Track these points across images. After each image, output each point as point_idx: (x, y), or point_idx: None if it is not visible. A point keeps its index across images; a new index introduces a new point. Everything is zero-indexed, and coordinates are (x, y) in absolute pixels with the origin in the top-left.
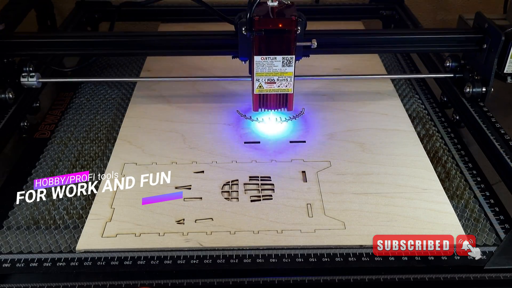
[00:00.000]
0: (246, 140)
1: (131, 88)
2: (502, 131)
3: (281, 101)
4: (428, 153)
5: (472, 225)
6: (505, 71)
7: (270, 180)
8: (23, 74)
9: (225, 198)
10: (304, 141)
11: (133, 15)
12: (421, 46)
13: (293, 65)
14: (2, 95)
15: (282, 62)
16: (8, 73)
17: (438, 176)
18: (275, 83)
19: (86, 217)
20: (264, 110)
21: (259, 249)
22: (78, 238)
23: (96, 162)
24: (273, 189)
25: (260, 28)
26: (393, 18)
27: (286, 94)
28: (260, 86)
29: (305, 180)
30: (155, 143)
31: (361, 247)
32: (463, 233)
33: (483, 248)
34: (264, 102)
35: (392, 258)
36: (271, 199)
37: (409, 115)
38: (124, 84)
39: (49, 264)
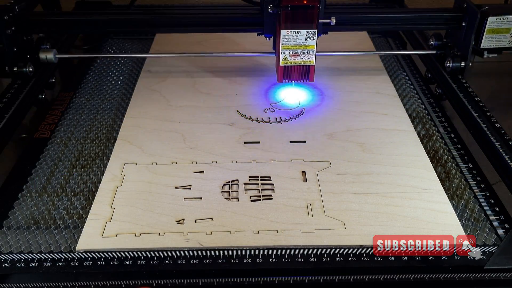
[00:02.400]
0: (246, 140)
1: (131, 88)
2: (502, 131)
3: (303, 73)
4: (428, 153)
5: (472, 225)
6: (481, 46)
7: (270, 180)
8: (42, 50)
9: (225, 198)
10: (304, 141)
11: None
12: (405, 24)
13: (315, 38)
14: (24, 69)
15: (306, 36)
16: (28, 49)
17: (438, 176)
18: (298, 55)
19: (86, 217)
20: (289, 81)
21: (259, 249)
22: (78, 238)
23: (96, 162)
24: (273, 189)
25: (287, 4)
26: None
27: (308, 66)
28: (285, 58)
29: (305, 180)
30: (155, 143)
31: (361, 247)
32: (463, 233)
33: (483, 248)
34: (288, 73)
35: (392, 258)
36: (271, 199)
37: (409, 115)
38: (125, 84)
39: (49, 264)
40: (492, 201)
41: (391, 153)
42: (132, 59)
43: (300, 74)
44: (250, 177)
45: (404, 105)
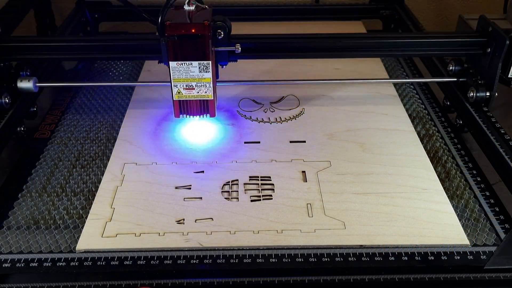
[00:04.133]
0: (246, 140)
1: (131, 88)
2: (502, 131)
3: (202, 107)
4: (428, 153)
5: (472, 225)
6: (509, 76)
7: (270, 180)
8: (20, 79)
9: (225, 198)
10: (304, 141)
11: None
12: (423, 50)
13: (210, 71)
14: None
15: (199, 67)
16: (5, 77)
17: (438, 176)
18: (193, 89)
19: (86, 217)
20: (187, 116)
21: (259, 249)
22: (78, 238)
23: (96, 162)
24: (273, 189)
25: (172, 33)
26: (393, 18)
27: (207, 100)
28: (179, 92)
29: (305, 180)
30: (155, 143)
31: (361, 247)
32: (463, 233)
33: (483, 248)
34: (186, 108)
35: (392, 258)
36: (271, 199)
37: (409, 115)
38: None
39: (49, 264)
40: (492, 201)
41: (391, 153)
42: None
43: (199, 109)
44: (250, 177)
45: (404, 105)
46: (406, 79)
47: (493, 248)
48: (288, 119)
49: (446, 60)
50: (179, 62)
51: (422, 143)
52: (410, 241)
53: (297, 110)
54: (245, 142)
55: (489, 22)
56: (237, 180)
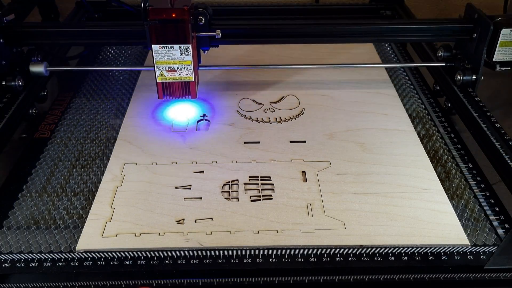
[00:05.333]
0: (246, 140)
1: (131, 88)
2: (502, 131)
3: (184, 89)
4: (428, 153)
5: (472, 225)
6: (494, 59)
7: (270, 180)
8: (32, 63)
9: (225, 198)
10: (304, 141)
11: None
12: (413, 36)
13: (190, 54)
14: (12, 83)
15: (180, 51)
16: (17, 62)
17: (438, 176)
18: (175, 71)
19: (86, 217)
20: (169, 98)
21: (259, 249)
22: (78, 238)
23: (96, 162)
24: (273, 189)
25: (154, 17)
26: (393, 18)
27: (188, 82)
28: (161, 74)
29: (305, 180)
30: (155, 143)
31: (361, 247)
32: (463, 233)
33: (483, 248)
34: (168, 89)
35: (392, 258)
36: (271, 199)
37: (409, 115)
38: (125, 84)
39: (49, 264)
40: (492, 201)
41: (391, 153)
42: (131, 59)
43: (181, 91)
44: (250, 177)
45: (404, 105)
46: (398, 63)
47: (493, 248)
48: (288, 119)
49: (436, 45)
50: (161, 45)
51: (422, 143)
52: (410, 241)
53: (297, 110)
54: (245, 142)
55: (475, 9)
56: (237, 180)
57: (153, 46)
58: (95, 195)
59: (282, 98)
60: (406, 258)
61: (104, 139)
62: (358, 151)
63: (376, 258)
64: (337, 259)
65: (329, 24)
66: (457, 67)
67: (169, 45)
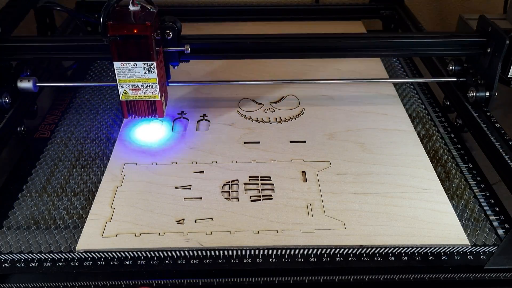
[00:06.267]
0: (246, 140)
1: None
2: (502, 131)
3: (150, 108)
4: (428, 153)
5: (472, 225)
6: (509, 75)
7: (270, 180)
8: (20, 79)
9: (225, 198)
10: (304, 141)
11: None
12: (423, 50)
13: (155, 71)
14: None
15: (144, 68)
16: (5, 77)
17: (438, 176)
18: (140, 89)
19: (86, 217)
20: (135, 117)
21: (259, 249)
22: (78, 238)
23: (96, 162)
24: (273, 189)
25: (114, 33)
26: (393, 18)
27: (154, 100)
28: (125, 93)
29: (305, 180)
30: (155, 143)
31: (361, 247)
32: (463, 233)
33: (483, 248)
34: (133, 108)
35: (392, 258)
36: (271, 199)
37: (409, 115)
38: None
39: (49, 264)
40: (492, 201)
41: (391, 153)
42: None
43: (146, 109)
44: (250, 177)
45: (404, 105)
46: (406, 79)
47: (493, 248)
48: (288, 119)
49: (446, 59)
50: (123, 62)
51: (422, 143)
52: (410, 241)
53: (297, 110)
54: (245, 142)
55: (489, 22)
56: (237, 180)
57: (114, 63)
58: (95, 195)
59: (282, 98)
60: (406, 258)
61: (104, 139)
62: (358, 151)
63: (376, 258)
64: (337, 259)
65: (333, 37)
66: (470, 83)
67: (131, 62)
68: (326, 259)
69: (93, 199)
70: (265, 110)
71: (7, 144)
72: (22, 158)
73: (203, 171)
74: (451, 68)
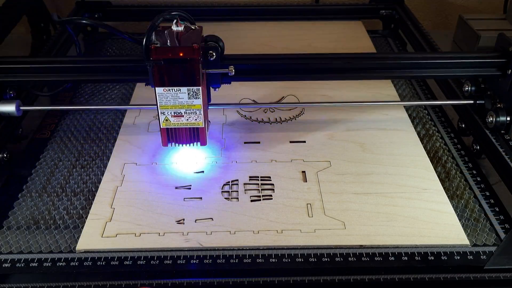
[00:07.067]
0: (246, 140)
1: (131, 88)
2: (502, 131)
3: (193, 135)
4: (428, 153)
5: (472, 225)
6: None
7: (270, 180)
8: (1, 102)
9: (225, 198)
10: (304, 141)
11: (134, 15)
12: (437, 72)
13: (201, 97)
14: None
15: (188, 94)
16: None
17: (438, 176)
18: (182, 116)
19: (86, 217)
20: (175, 145)
21: (259, 249)
22: (78, 238)
23: (96, 162)
24: (273, 189)
25: (158, 57)
26: (393, 18)
27: (197, 127)
28: (166, 120)
29: (305, 180)
30: (155, 143)
31: (361, 247)
32: (463, 233)
33: (483, 248)
34: (174, 136)
35: (392, 258)
36: (271, 199)
37: (409, 115)
38: (125, 83)
39: (49, 264)
40: (492, 201)
41: (391, 153)
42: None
43: (188, 137)
44: (250, 177)
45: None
46: (418, 101)
47: (493, 248)
48: (288, 119)
49: (461, 79)
50: (166, 88)
51: (422, 143)
52: (410, 241)
53: (297, 110)
54: (245, 142)
55: (510, 40)
56: (237, 180)
57: (156, 89)
58: (95, 195)
59: (282, 98)
60: (406, 258)
61: (104, 139)
62: (358, 151)
63: (376, 258)
64: (337, 259)
65: (341, 58)
66: (488, 106)
67: (175, 88)
68: (326, 259)
69: (93, 199)
70: (265, 110)
71: None
72: (22, 158)
73: (203, 171)
74: (467, 88)
